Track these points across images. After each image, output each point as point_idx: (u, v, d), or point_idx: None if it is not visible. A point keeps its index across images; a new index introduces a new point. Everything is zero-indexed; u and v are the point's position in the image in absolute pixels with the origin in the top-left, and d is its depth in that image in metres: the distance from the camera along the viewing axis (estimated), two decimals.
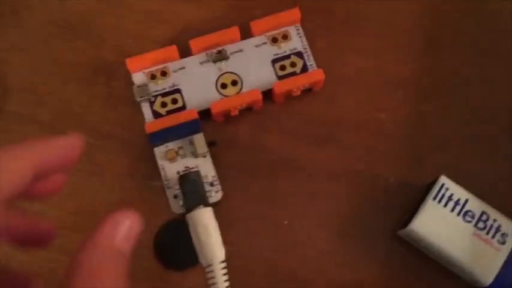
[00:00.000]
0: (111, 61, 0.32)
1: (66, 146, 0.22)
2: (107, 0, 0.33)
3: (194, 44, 0.31)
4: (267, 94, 0.31)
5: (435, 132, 0.31)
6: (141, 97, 0.30)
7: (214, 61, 0.31)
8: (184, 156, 0.29)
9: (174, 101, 0.30)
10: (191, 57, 0.31)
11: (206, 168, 0.29)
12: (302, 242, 0.29)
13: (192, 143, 0.29)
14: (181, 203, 0.28)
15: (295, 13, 0.31)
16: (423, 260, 0.28)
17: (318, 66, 0.31)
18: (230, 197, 0.29)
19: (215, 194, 0.29)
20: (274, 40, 0.31)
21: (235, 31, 0.31)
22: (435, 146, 0.31)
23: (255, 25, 0.31)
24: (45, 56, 0.32)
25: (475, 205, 0.27)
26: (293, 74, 0.31)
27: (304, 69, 0.31)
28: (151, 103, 0.30)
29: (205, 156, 0.29)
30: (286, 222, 0.30)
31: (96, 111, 0.31)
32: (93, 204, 0.30)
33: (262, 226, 0.29)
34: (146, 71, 0.31)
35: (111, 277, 0.19)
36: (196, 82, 0.31)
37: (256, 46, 0.31)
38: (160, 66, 0.31)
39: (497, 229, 0.27)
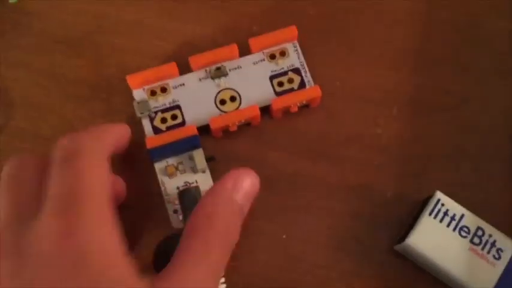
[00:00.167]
0: (111, 77, 0.32)
1: (122, 132, 0.27)
2: (107, 17, 0.34)
3: (193, 60, 0.31)
4: (265, 110, 0.31)
5: (431, 147, 0.31)
6: (141, 113, 0.31)
7: (213, 77, 0.31)
8: (183, 171, 0.30)
9: (174, 117, 0.31)
10: (190, 73, 0.32)
11: (205, 183, 0.29)
12: (300, 257, 0.29)
13: (191, 158, 0.30)
14: (181, 218, 0.29)
15: (292, 30, 0.32)
16: (420, 275, 0.29)
17: (315, 82, 0.31)
18: None
19: None
20: (272, 57, 0.32)
21: (233, 48, 0.31)
22: (431, 161, 0.31)
23: (253, 42, 0.32)
24: (46, 72, 0.33)
25: (471, 220, 0.28)
26: (291, 90, 0.31)
27: (302, 85, 0.31)
28: (152, 119, 0.31)
29: (204, 172, 0.30)
30: (284, 236, 0.30)
31: None
32: None
33: (261, 241, 0.30)
34: (146, 87, 0.31)
35: (223, 225, 0.22)
36: (196, 98, 0.31)
37: (254, 63, 0.32)
38: (160, 83, 0.31)
39: (493, 244, 0.27)
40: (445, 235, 0.27)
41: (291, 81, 0.31)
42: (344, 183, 0.31)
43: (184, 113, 0.31)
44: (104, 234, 0.21)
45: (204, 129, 0.31)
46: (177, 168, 0.30)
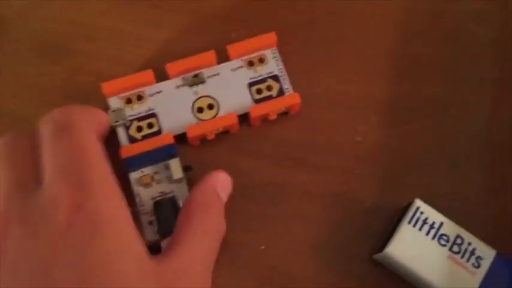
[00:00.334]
0: (86, 85, 0.32)
1: (106, 117, 0.26)
2: (82, 24, 0.33)
3: (170, 68, 0.31)
4: (244, 117, 0.31)
5: (411, 155, 0.31)
6: (116, 122, 0.30)
7: (191, 85, 0.31)
8: (159, 181, 0.29)
9: (150, 126, 0.30)
10: (167, 81, 0.31)
11: (182, 193, 0.29)
12: (279, 268, 0.29)
13: (167, 168, 0.29)
14: (156, 229, 0.28)
15: (271, 37, 0.31)
16: (399, 284, 0.28)
17: (295, 89, 0.31)
18: None
19: None
20: (251, 64, 0.31)
21: (211, 55, 0.31)
22: (411, 168, 0.31)
23: (231, 49, 0.31)
24: (20, 81, 0.32)
25: (450, 228, 0.27)
26: (269, 97, 0.31)
27: (281, 92, 0.31)
28: (127, 128, 0.30)
29: (181, 182, 0.29)
30: (263, 247, 0.29)
31: None
32: None
33: (239, 252, 0.29)
34: (122, 95, 0.30)
35: (215, 213, 0.25)
36: (173, 106, 0.30)
37: (233, 70, 0.31)
38: (136, 91, 0.31)
39: (472, 252, 0.27)
40: (425, 244, 0.27)
41: (269, 88, 0.31)
42: (323, 191, 0.30)
43: (160, 122, 0.30)
44: (113, 206, 0.21)
45: (181, 138, 0.30)
46: (153, 178, 0.29)
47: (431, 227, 0.27)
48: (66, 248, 0.19)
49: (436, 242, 0.27)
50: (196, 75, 0.31)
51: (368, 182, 0.31)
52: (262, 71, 0.31)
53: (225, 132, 0.31)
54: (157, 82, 0.31)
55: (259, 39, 0.31)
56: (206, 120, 0.30)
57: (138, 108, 0.30)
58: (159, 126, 0.30)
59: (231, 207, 0.30)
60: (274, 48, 0.32)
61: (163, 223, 0.27)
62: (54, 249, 0.19)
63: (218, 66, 0.31)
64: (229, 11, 0.34)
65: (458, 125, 0.32)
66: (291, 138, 0.31)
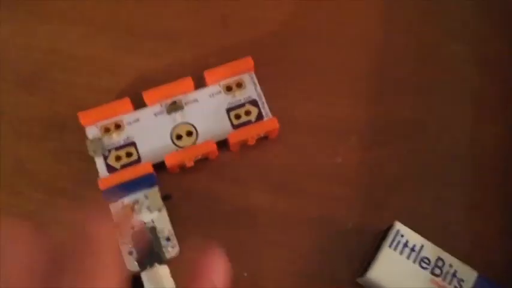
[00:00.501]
0: (64, 115, 0.31)
1: None
2: (59, 53, 0.33)
3: (147, 95, 0.30)
4: (224, 142, 0.31)
5: (391, 176, 0.31)
6: (94, 151, 0.30)
7: (169, 112, 0.31)
8: (139, 211, 0.29)
9: (129, 154, 0.30)
10: (145, 108, 0.31)
11: (162, 222, 0.29)
12: None
13: (147, 197, 0.29)
14: (136, 260, 0.28)
15: (248, 61, 0.31)
16: None
17: (273, 113, 0.31)
18: (188, 250, 0.29)
19: (172, 250, 0.28)
20: (229, 89, 0.31)
21: (188, 81, 0.31)
22: (392, 189, 0.31)
23: (208, 74, 0.31)
24: None
25: (431, 251, 0.27)
26: (248, 122, 0.31)
27: (259, 117, 0.31)
28: (105, 157, 0.30)
29: (160, 211, 0.29)
30: (245, 274, 0.29)
31: (48, 167, 0.31)
32: None
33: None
34: (99, 124, 0.30)
35: None
36: (151, 134, 0.30)
37: (211, 96, 0.31)
38: (113, 119, 0.30)
39: (454, 275, 0.27)
40: (406, 267, 0.27)
41: (248, 113, 0.31)
42: (305, 216, 0.30)
43: (139, 150, 0.30)
44: None
45: (161, 165, 0.30)
46: (132, 208, 0.29)
47: (412, 250, 0.27)
48: None
49: (418, 265, 0.27)
50: (174, 102, 0.31)
51: (349, 204, 0.30)
52: (240, 95, 0.31)
53: (205, 159, 0.31)
54: (135, 109, 0.31)
55: (236, 64, 0.31)
56: (185, 147, 0.30)
57: (117, 137, 0.30)
58: (138, 154, 0.30)
59: (212, 234, 0.30)
60: (252, 72, 0.32)
61: (142, 254, 0.27)
62: None
63: (196, 92, 0.31)
64: (207, 37, 0.34)
65: (438, 145, 0.32)
66: (271, 163, 0.31)
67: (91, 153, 0.30)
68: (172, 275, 0.26)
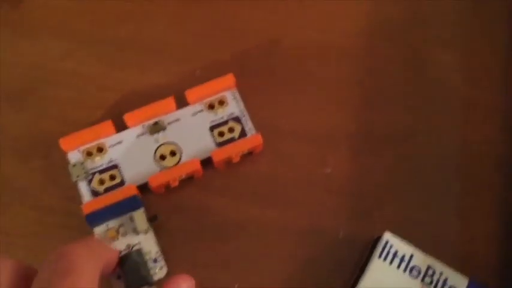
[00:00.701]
0: (51, 132, 0.31)
1: (113, 256, 0.26)
2: (44, 68, 0.33)
3: (129, 117, 0.30)
4: (208, 160, 0.30)
5: (381, 185, 0.31)
6: (77, 176, 0.29)
7: (151, 133, 0.31)
8: (125, 234, 0.28)
9: (112, 177, 0.30)
10: (127, 130, 0.31)
11: (149, 244, 0.28)
12: None
13: (132, 219, 0.28)
14: (125, 284, 0.27)
15: (229, 78, 0.31)
16: None
17: (259, 125, 0.31)
18: (176, 268, 0.29)
19: (159, 271, 0.28)
20: (211, 107, 0.31)
21: (170, 101, 0.31)
22: (382, 198, 0.31)
23: (189, 94, 0.31)
24: None
25: (420, 260, 0.27)
26: (232, 139, 0.31)
27: (243, 134, 0.31)
28: (89, 181, 0.30)
29: (147, 232, 0.28)
30: (236, 286, 0.29)
31: (35, 185, 0.30)
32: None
33: None
34: (82, 148, 0.30)
35: None
36: (134, 156, 0.30)
37: (193, 114, 0.31)
38: (96, 142, 0.30)
39: (444, 282, 0.27)
40: (396, 278, 0.27)
41: (231, 130, 0.31)
42: (295, 227, 0.30)
43: (122, 172, 0.30)
44: None
45: (146, 187, 0.30)
46: (118, 231, 0.28)
47: (402, 260, 0.27)
48: None
49: (408, 275, 0.27)
50: (156, 123, 0.31)
51: (339, 214, 0.30)
52: (223, 113, 0.31)
53: (190, 178, 0.30)
54: (117, 131, 0.31)
55: (217, 82, 0.31)
56: (168, 168, 0.30)
57: (100, 161, 0.30)
58: (122, 177, 0.30)
59: (203, 247, 0.29)
60: (234, 89, 0.32)
61: (130, 278, 0.27)
62: None
63: (178, 111, 0.31)
64: (191, 50, 0.34)
65: (428, 153, 0.32)
66: (258, 176, 0.31)
67: (74, 178, 0.29)
68: None
